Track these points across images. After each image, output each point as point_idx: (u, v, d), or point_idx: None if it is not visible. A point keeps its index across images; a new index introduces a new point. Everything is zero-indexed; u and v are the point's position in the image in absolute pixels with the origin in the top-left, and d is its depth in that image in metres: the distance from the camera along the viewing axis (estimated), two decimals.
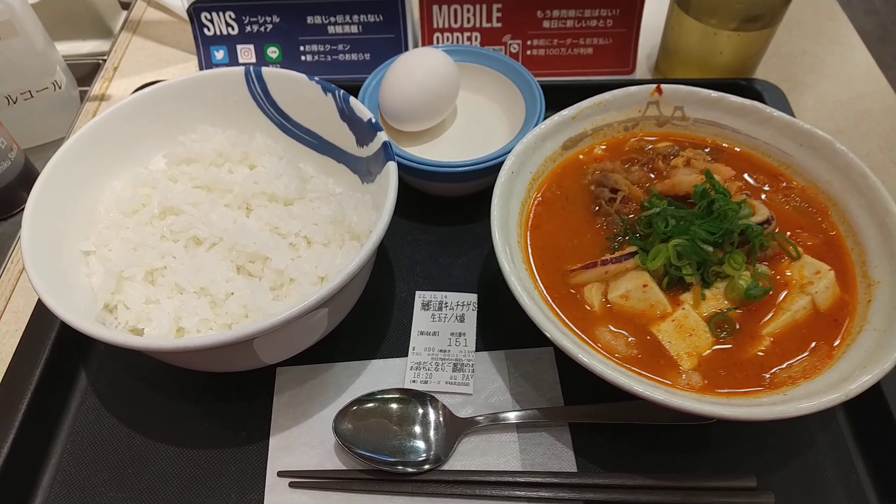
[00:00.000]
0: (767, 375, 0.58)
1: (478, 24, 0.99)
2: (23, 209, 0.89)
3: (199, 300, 0.61)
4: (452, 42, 1.01)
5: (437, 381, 0.69)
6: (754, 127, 0.74)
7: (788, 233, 0.67)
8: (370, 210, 0.68)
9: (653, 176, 0.72)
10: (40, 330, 0.69)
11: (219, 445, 0.65)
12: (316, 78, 0.72)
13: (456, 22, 0.99)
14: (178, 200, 0.66)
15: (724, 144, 0.76)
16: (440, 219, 0.84)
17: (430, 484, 0.62)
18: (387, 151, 0.65)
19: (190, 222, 0.65)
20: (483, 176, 0.78)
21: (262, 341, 0.58)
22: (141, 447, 0.65)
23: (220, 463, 0.64)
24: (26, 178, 0.89)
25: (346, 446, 0.61)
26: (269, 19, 0.99)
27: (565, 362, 0.69)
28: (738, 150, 0.75)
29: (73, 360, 0.71)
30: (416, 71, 0.79)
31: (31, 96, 0.95)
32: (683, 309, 0.61)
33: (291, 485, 0.62)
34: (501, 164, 0.75)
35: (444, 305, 0.75)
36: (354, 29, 0.99)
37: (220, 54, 1.02)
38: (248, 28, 1.00)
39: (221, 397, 0.69)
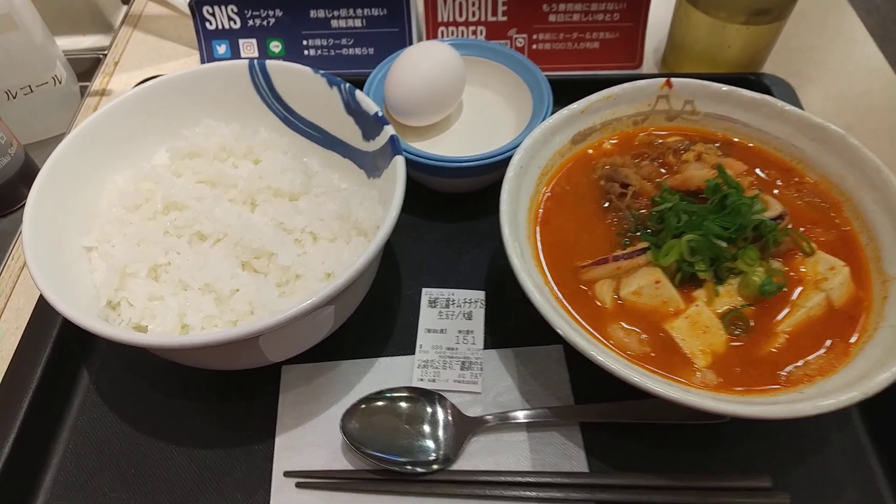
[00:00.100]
0: (784, 373, 0.57)
1: (483, 18, 0.97)
2: (23, 206, 0.88)
3: (203, 297, 0.60)
4: (457, 36, 0.99)
5: (445, 379, 0.68)
6: (766, 121, 0.73)
7: (802, 228, 0.66)
8: (377, 205, 0.66)
9: (663, 171, 0.71)
10: (42, 327, 0.68)
11: (224, 445, 0.64)
12: (321, 71, 0.71)
13: (461, 16, 0.98)
14: (181, 195, 0.65)
15: (734, 139, 0.75)
16: (446, 215, 0.83)
17: (439, 484, 0.60)
18: (394, 145, 0.64)
19: (194, 217, 0.63)
20: (490, 171, 0.77)
21: (268, 339, 0.57)
22: (144, 447, 0.64)
23: (225, 463, 0.63)
24: (26, 173, 0.88)
25: (354, 446, 0.60)
26: (271, 13, 0.98)
27: (575, 360, 0.68)
28: (750, 144, 0.74)
29: (74, 358, 0.70)
30: (422, 64, 0.78)
31: (31, 91, 0.94)
32: (697, 306, 0.60)
33: (298, 485, 0.61)
34: (509, 159, 0.74)
35: (451, 303, 0.74)
36: (358, 23, 0.98)
37: (222, 48, 1.01)
38: (251, 22, 0.99)
39: (226, 396, 0.67)
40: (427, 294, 0.75)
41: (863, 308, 0.61)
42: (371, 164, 0.70)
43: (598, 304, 0.62)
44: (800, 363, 0.58)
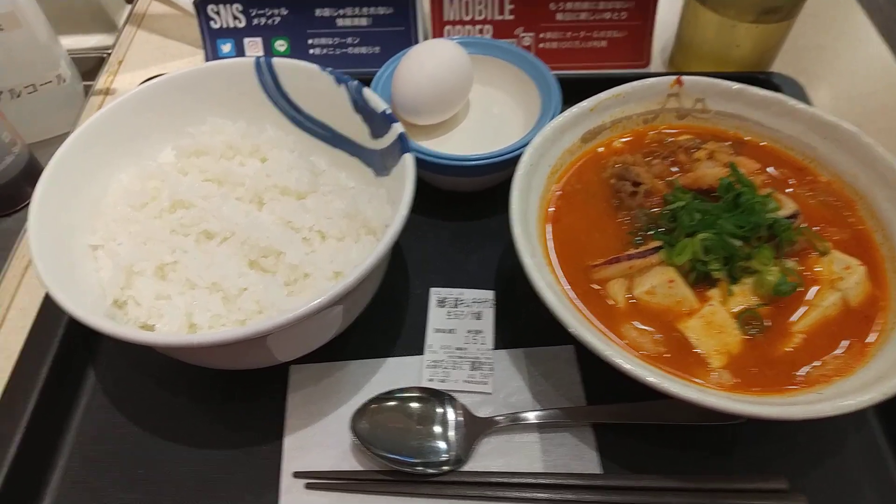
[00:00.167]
0: (800, 374, 0.56)
1: (489, 17, 0.97)
2: (27, 205, 0.88)
3: (211, 295, 0.59)
4: (464, 35, 0.99)
5: (454, 379, 0.67)
6: (777, 119, 0.72)
7: (816, 227, 0.65)
8: (385, 204, 0.66)
9: (675, 169, 0.70)
10: (47, 327, 0.67)
11: (232, 445, 0.63)
12: (328, 68, 0.70)
13: (467, 14, 0.97)
14: (188, 193, 0.64)
15: (746, 137, 0.74)
16: (453, 214, 0.82)
17: (450, 485, 0.60)
18: (403, 143, 0.64)
19: (201, 216, 0.63)
20: (499, 169, 0.76)
21: (277, 338, 0.57)
22: (151, 447, 0.64)
23: (233, 463, 0.62)
24: (30, 173, 0.87)
25: (364, 446, 0.60)
26: (276, 12, 0.97)
27: (587, 360, 0.68)
28: (761, 143, 0.73)
29: (81, 357, 0.69)
30: (429, 63, 0.77)
31: (35, 90, 0.93)
32: (711, 305, 0.60)
33: (308, 486, 0.60)
34: (517, 157, 0.73)
35: (459, 302, 0.73)
36: (364, 22, 0.98)
37: (226, 47, 1.00)
38: (256, 21, 0.98)
39: (234, 396, 0.67)
40: (436, 294, 0.74)
41: (879, 307, 0.60)
42: (379, 163, 0.69)
43: (611, 303, 0.61)
44: (817, 363, 0.57)
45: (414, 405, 0.63)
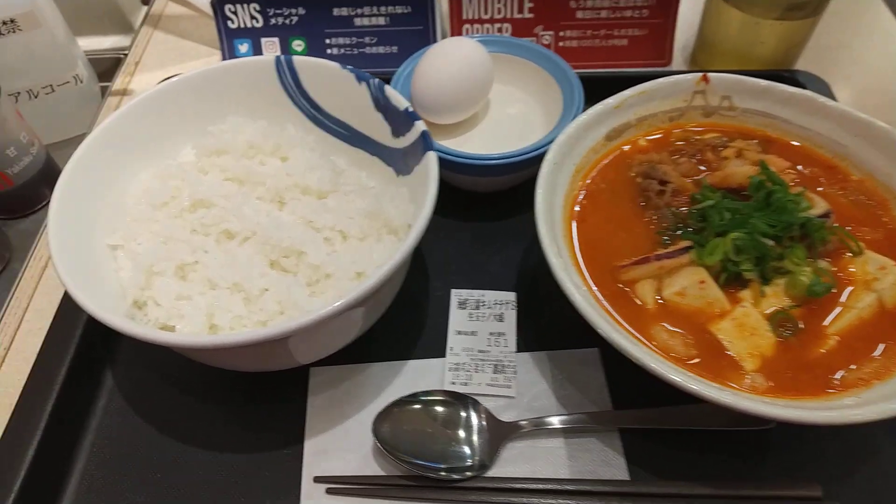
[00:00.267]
0: (836, 377, 0.54)
1: (509, 15, 0.96)
2: (44, 206, 0.88)
3: (232, 296, 0.58)
4: (483, 34, 0.98)
5: (477, 382, 0.66)
6: (806, 117, 0.71)
7: (848, 227, 0.63)
8: (408, 203, 0.65)
9: (702, 168, 0.69)
10: (65, 328, 0.66)
11: (251, 449, 0.62)
12: (349, 67, 0.69)
13: (486, 13, 0.96)
14: (208, 193, 0.63)
15: (774, 135, 0.72)
16: (473, 215, 0.81)
17: (474, 491, 0.58)
18: (426, 141, 0.62)
19: (221, 215, 0.62)
20: (520, 169, 0.75)
21: (299, 340, 0.56)
22: (170, 450, 0.63)
23: (252, 467, 0.61)
24: (48, 173, 0.86)
25: (386, 451, 0.58)
26: (294, 11, 0.97)
27: (612, 364, 0.66)
28: (790, 141, 0.72)
29: (99, 359, 0.68)
30: (450, 61, 0.76)
31: (53, 90, 0.93)
32: (743, 307, 0.58)
33: (329, 491, 0.59)
34: (539, 157, 0.72)
35: (481, 304, 0.72)
36: (382, 21, 0.97)
37: (244, 48, 0.99)
38: (273, 21, 0.97)
39: (253, 398, 0.66)
40: (456, 295, 0.73)
41: None
42: (401, 162, 0.68)
43: (640, 305, 0.60)
44: (853, 367, 0.55)
45: (437, 409, 0.62)
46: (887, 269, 0.60)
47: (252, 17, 0.97)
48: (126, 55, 1.07)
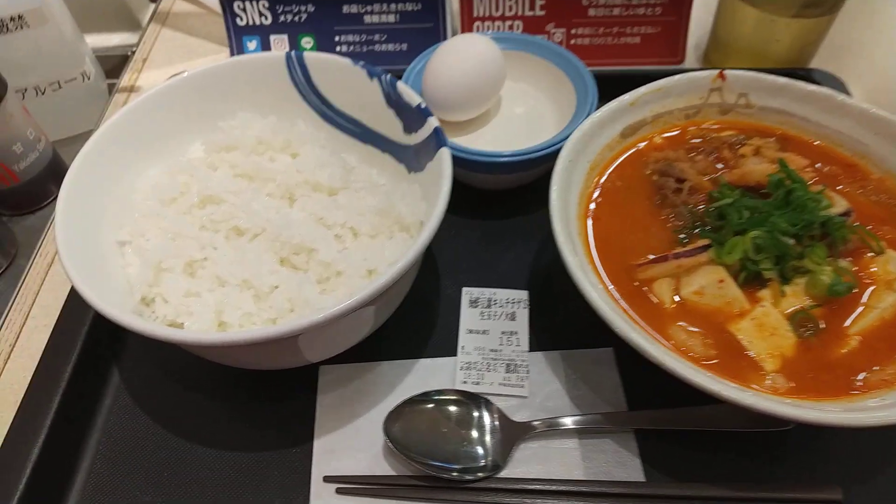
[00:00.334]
0: (859, 378, 0.53)
1: (520, 13, 0.95)
2: (50, 202, 0.87)
3: (241, 293, 0.57)
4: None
5: (489, 382, 0.65)
6: (825, 115, 0.70)
7: (868, 226, 0.62)
8: (420, 200, 0.63)
9: (719, 166, 0.68)
10: (72, 325, 0.66)
11: (260, 448, 0.61)
12: (361, 62, 0.68)
13: (497, 10, 0.95)
14: (218, 189, 0.62)
15: (791, 133, 0.71)
16: (485, 212, 0.80)
17: (487, 492, 0.57)
18: (439, 137, 0.61)
19: (231, 212, 0.61)
20: (533, 166, 0.74)
21: (309, 338, 0.55)
22: (177, 449, 0.62)
23: (261, 466, 0.60)
24: (54, 170, 0.86)
25: (398, 450, 0.57)
26: (303, 8, 0.96)
27: (627, 363, 0.65)
28: (808, 139, 0.71)
29: (106, 356, 0.67)
30: (462, 57, 0.75)
31: (60, 87, 0.92)
32: (763, 306, 0.57)
33: (339, 491, 0.58)
34: (553, 154, 0.71)
35: (493, 303, 0.71)
36: (391, 18, 0.96)
37: (252, 45, 0.99)
38: (282, 17, 0.96)
39: (262, 397, 0.65)
40: (468, 293, 0.72)
41: None
42: (412, 158, 0.67)
43: (657, 304, 0.58)
44: (876, 368, 0.54)
45: (449, 408, 0.60)
46: None
47: (261, 14, 0.96)
48: (134, 52, 1.07)
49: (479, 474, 0.58)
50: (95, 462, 0.61)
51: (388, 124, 0.69)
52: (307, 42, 0.98)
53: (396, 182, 0.69)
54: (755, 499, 0.56)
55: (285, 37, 0.98)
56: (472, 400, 0.61)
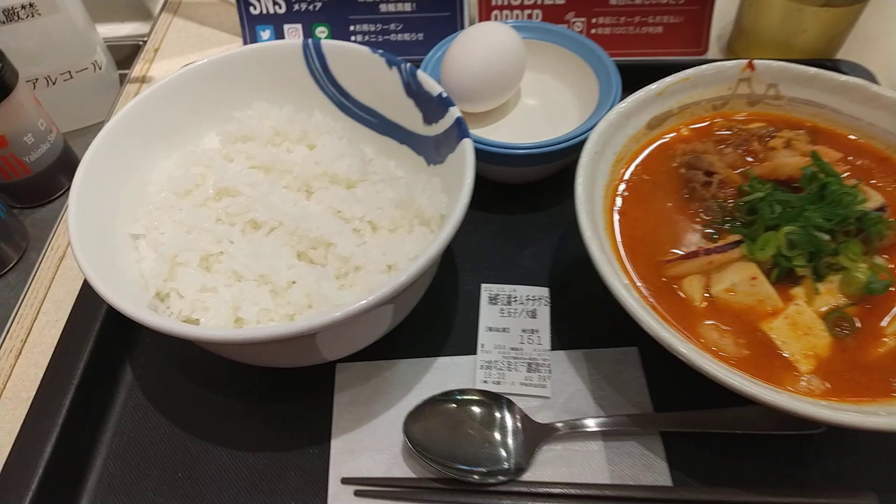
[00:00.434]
0: None
1: (539, 1, 0.92)
2: (61, 195, 0.86)
3: (258, 288, 0.55)
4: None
5: (510, 381, 0.63)
6: (857, 107, 0.67)
7: None
8: (440, 193, 0.62)
9: (749, 159, 0.66)
10: (84, 320, 0.64)
11: (276, 448, 0.60)
12: (380, 51, 0.66)
13: None
14: (234, 181, 0.61)
15: (822, 125, 0.69)
16: (503, 207, 0.78)
17: (510, 496, 0.56)
18: (460, 128, 0.60)
19: (248, 205, 0.59)
20: (554, 159, 0.72)
21: (327, 335, 0.53)
22: (191, 448, 0.60)
23: (278, 467, 0.59)
24: (65, 162, 0.84)
25: (418, 452, 0.56)
26: None
27: (653, 364, 0.63)
28: (840, 131, 0.68)
29: (118, 353, 0.66)
30: (482, 46, 0.74)
31: (71, 77, 0.91)
32: (797, 304, 0.55)
33: (357, 493, 0.57)
34: (575, 146, 0.69)
35: (513, 300, 0.69)
36: (408, 7, 0.94)
37: (265, 34, 0.97)
38: (297, 6, 0.95)
39: (277, 395, 0.63)
40: (487, 290, 0.70)
41: None
42: (432, 150, 0.65)
43: (686, 301, 0.56)
44: None
45: (471, 409, 0.59)
46: None
47: (275, 3, 0.95)
48: (145, 42, 1.05)
49: (502, 477, 0.56)
50: (108, 461, 0.60)
51: (407, 115, 0.67)
52: (321, 31, 0.96)
53: (415, 174, 0.67)
54: None
55: (299, 26, 0.96)
56: (494, 400, 0.59)
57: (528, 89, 0.82)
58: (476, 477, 0.56)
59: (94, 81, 0.93)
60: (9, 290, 0.76)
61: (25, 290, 0.74)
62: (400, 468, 0.58)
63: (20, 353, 0.69)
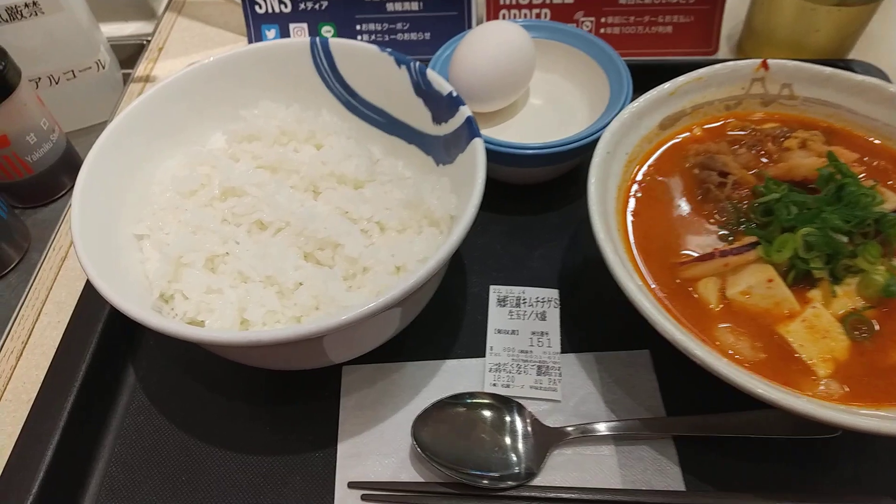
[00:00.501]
0: None
1: (548, 0, 0.91)
2: (64, 195, 0.85)
3: (265, 290, 0.54)
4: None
5: (520, 384, 0.62)
6: (873, 107, 0.66)
7: None
8: (449, 193, 0.61)
9: (764, 160, 0.65)
10: (86, 322, 0.63)
11: (281, 451, 0.59)
12: (388, 49, 0.65)
13: None
14: (240, 181, 0.60)
15: (838, 126, 0.68)
16: (512, 207, 0.77)
17: (521, 501, 0.55)
18: (471, 127, 0.59)
19: (254, 205, 0.58)
20: (564, 159, 0.71)
21: (335, 338, 0.52)
22: (195, 452, 0.59)
23: (283, 471, 0.58)
24: (68, 162, 0.84)
25: (426, 456, 0.55)
26: None
27: (665, 367, 0.62)
28: (855, 132, 0.67)
29: (121, 354, 0.65)
30: (492, 45, 0.73)
31: (74, 76, 0.90)
32: (814, 307, 0.54)
33: (364, 498, 0.56)
34: (584, 147, 0.68)
35: (522, 301, 0.68)
36: (415, 6, 0.93)
37: (271, 34, 0.96)
38: (302, 5, 0.94)
39: (283, 398, 0.62)
40: (495, 292, 0.69)
41: None
42: (441, 150, 0.64)
43: (701, 304, 0.55)
44: None
45: (481, 412, 0.58)
46: None
47: (280, 2, 0.94)
48: (149, 41, 1.04)
49: (512, 482, 0.55)
50: (110, 465, 0.59)
51: (416, 114, 0.66)
52: (327, 31, 0.95)
53: (423, 175, 0.66)
54: None
55: (305, 25, 0.95)
56: (504, 404, 0.58)
57: (536, 89, 0.81)
58: (486, 482, 0.54)
59: (97, 81, 0.93)
60: (10, 290, 0.75)
61: (27, 290, 0.73)
62: (408, 472, 0.57)
63: (21, 354, 0.68)
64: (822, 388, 0.50)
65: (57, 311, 0.71)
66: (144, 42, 1.05)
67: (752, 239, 0.56)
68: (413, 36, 0.95)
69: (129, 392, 0.63)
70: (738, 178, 0.61)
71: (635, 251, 0.59)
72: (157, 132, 0.64)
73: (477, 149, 0.57)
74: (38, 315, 0.71)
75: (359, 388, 0.62)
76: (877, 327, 0.54)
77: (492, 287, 0.70)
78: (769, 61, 0.67)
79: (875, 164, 0.65)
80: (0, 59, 0.70)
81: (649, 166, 0.65)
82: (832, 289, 0.55)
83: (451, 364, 0.64)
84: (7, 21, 0.80)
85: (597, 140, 0.62)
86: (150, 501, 0.57)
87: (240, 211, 0.58)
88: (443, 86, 0.62)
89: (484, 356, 0.64)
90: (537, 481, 0.56)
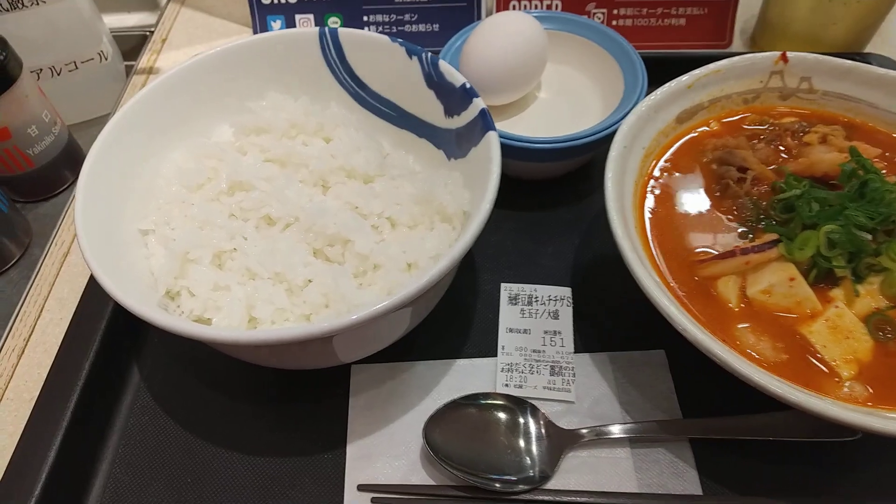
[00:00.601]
0: None
1: None
2: (66, 189, 0.83)
3: (273, 287, 0.53)
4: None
5: (532, 385, 0.60)
6: (894, 101, 0.64)
7: None
8: (462, 189, 0.59)
9: (784, 155, 0.63)
10: (89, 319, 0.62)
11: (289, 453, 0.58)
12: (399, 39, 0.64)
13: None
14: (248, 175, 0.58)
15: (858, 120, 0.66)
16: (524, 203, 0.76)
17: None
18: (485, 120, 0.57)
19: (262, 199, 0.57)
20: (578, 154, 0.70)
21: (345, 337, 0.51)
22: (201, 453, 0.58)
23: (291, 473, 0.57)
24: (70, 155, 0.82)
25: (438, 458, 0.53)
26: None
27: (681, 368, 0.61)
28: (877, 127, 0.65)
29: (125, 353, 0.64)
30: (503, 36, 0.71)
31: (76, 68, 0.89)
32: (836, 307, 0.52)
33: (374, 500, 0.54)
34: (599, 141, 0.67)
35: (534, 300, 0.67)
36: None
37: (276, 24, 0.94)
38: None
39: (291, 398, 0.61)
40: (507, 290, 0.68)
41: None
42: (453, 144, 0.62)
43: (721, 303, 0.54)
44: None
45: (493, 413, 0.56)
46: None
47: None
48: (152, 32, 1.03)
49: (526, 486, 0.54)
50: (114, 466, 0.58)
51: (427, 107, 0.64)
52: (334, 22, 0.93)
53: (434, 169, 0.65)
54: None
55: (311, 16, 0.93)
56: (517, 405, 0.57)
57: (548, 81, 0.80)
58: (499, 485, 0.53)
59: (100, 72, 0.91)
60: (11, 286, 0.73)
61: (28, 287, 0.71)
62: (418, 475, 0.56)
63: (23, 352, 0.66)
64: (846, 389, 0.49)
65: (59, 308, 0.70)
66: (148, 33, 1.04)
67: (774, 236, 0.55)
68: (421, 27, 0.93)
69: (134, 391, 0.62)
70: (758, 173, 0.60)
71: (653, 248, 0.57)
72: (161, 125, 0.63)
73: (491, 142, 0.55)
74: (41, 312, 0.70)
75: (368, 388, 0.61)
76: None
77: (503, 285, 0.68)
78: (788, 54, 0.66)
79: None
80: (1, 50, 0.69)
81: (666, 161, 0.63)
82: (855, 288, 0.53)
83: (461, 364, 0.63)
84: (8, 10, 0.79)
85: (611, 134, 0.60)
86: (154, 502, 0.55)
87: (248, 206, 0.57)
88: (455, 77, 0.60)
89: (495, 356, 0.63)
90: (551, 484, 0.55)
